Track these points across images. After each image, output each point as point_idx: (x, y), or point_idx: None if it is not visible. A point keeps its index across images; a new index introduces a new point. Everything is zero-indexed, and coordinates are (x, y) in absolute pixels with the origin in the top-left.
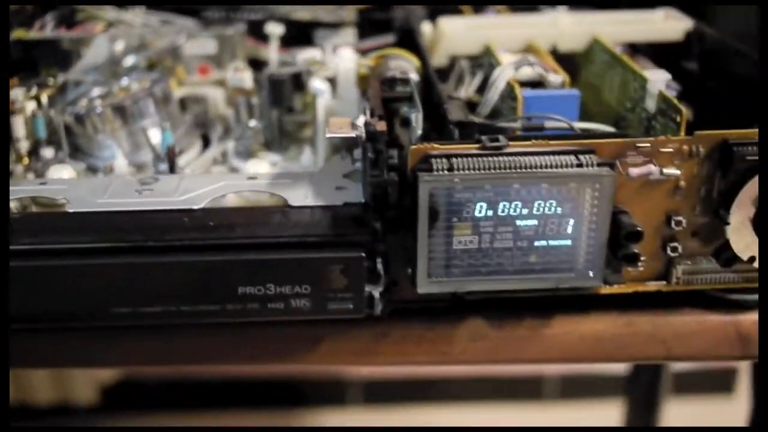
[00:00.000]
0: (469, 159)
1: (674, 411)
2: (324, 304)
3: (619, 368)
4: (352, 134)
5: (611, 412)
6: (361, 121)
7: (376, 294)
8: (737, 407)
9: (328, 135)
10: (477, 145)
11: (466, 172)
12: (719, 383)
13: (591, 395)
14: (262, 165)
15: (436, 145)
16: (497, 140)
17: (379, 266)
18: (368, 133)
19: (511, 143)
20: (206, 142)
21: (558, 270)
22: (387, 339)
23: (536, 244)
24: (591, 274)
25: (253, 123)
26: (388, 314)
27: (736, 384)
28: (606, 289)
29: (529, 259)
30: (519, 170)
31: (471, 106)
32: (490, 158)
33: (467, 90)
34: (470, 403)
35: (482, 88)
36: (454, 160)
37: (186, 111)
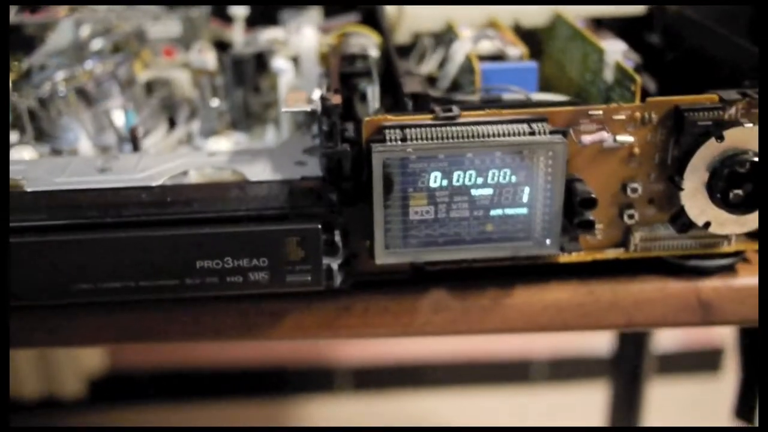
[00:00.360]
0: (423, 129)
1: (659, 391)
2: (282, 276)
3: (603, 349)
4: (308, 108)
5: (597, 393)
6: (317, 95)
7: (335, 266)
8: (723, 386)
9: (284, 109)
10: (430, 116)
11: (420, 142)
12: (705, 362)
13: (577, 377)
14: (223, 142)
15: (389, 117)
16: (450, 110)
17: (337, 238)
18: (324, 106)
19: (464, 113)
20: (172, 124)
21: (515, 239)
22: (349, 312)
23: (492, 213)
24: (548, 242)
25: (215, 103)
26: (350, 287)
27: (721, 363)
28: (565, 258)
29: (485, 228)
30: (472, 139)
31: (432, 81)
32: (443, 128)
33: (428, 65)
34: (458, 388)
35: (443, 64)
36: (407, 130)
37: (153, 94)
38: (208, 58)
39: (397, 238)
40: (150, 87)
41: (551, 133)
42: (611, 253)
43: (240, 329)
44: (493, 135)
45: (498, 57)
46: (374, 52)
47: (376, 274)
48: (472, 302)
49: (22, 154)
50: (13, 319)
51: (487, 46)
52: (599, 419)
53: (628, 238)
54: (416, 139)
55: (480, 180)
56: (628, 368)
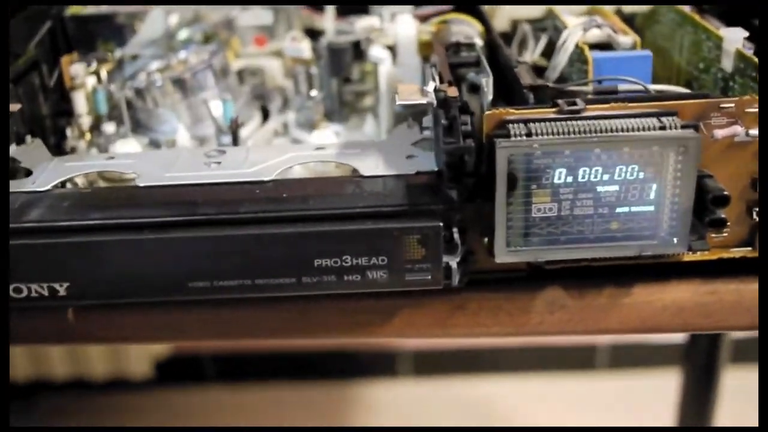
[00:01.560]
0: (547, 124)
1: (733, 379)
2: (401, 275)
3: (677, 336)
4: (423, 101)
5: (668, 381)
6: (431, 87)
7: (454, 264)
8: None
9: (399, 102)
10: (554, 109)
11: (545, 137)
12: None
13: (648, 364)
14: (327, 135)
15: (511, 110)
16: (574, 104)
17: (456, 236)
18: (440, 99)
19: (588, 107)
20: (265, 114)
21: (640, 237)
22: (463, 311)
23: (618, 210)
24: (675, 240)
25: (314, 93)
26: (464, 285)
27: None
28: (689, 257)
29: (610, 226)
30: (600, 134)
31: (537, 70)
32: (568, 122)
33: (532, 54)
34: (520, 373)
35: (547, 52)
36: (532, 125)
37: (243, 83)
38: (302, 46)
39: (518, 236)
40: (240, 76)
41: (683, 127)
42: (737, 252)
43: (349, 326)
44: (622, 129)
45: (607, 46)
46: (478, 41)
47: (492, 272)
48: (589, 301)
49: (128, 147)
50: (123, 316)
51: (596, 34)
52: (670, 408)
53: (756, 236)
54: (541, 134)
55: (606, 176)
56: (702, 356)
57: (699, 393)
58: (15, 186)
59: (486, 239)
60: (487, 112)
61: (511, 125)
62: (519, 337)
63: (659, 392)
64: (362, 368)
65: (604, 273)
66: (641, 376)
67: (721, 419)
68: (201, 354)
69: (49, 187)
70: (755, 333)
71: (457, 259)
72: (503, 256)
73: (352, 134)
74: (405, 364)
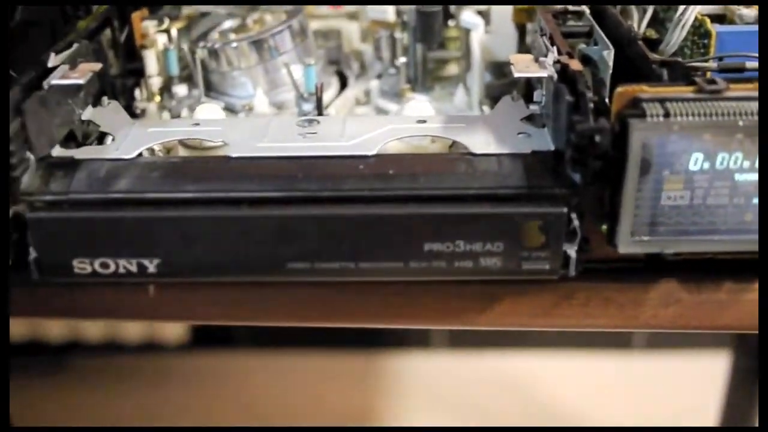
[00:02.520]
0: (686, 104)
1: None
2: (517, 263)
3: None
4: (543, 73)
5: (714, 363)
6: (550, 59)
7: (572, 253)
8: None
9: (516, 74)
10: (692, 88)
11: (684, 118)
12: None
13: (698, 345)
14: (425, 107)
15: (646, 87)
16: (714, 82)
17: (575, 222)
18: (562, 72)
19: (731, 86)
20: (342, 80)
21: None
22: (569, 301)
23: (755, 201)
24: None
25: (402, 60)
26: (578, 275)
27: None
28: None
29: (744, 218)
30: (745, 117)
31: (646, 43)
32: (710, 103)
33: (638, 25)
34: (556, 349)
35: (652, 23)
36: (669, 104)
37: (317, 46)
38: (387, 9)
39: (644, 225)
40: (314, 39)
41: None
42: None
43: (448, 313)
44: None
45: (723, 18)
46: (586, 8)
47: (606, 262)
48: (707, 296)
49: (208, 112)
50: (209, 294)
51: (712, 6)
52: (714, 391)
53: None
54: (681, 115)
55: (747, 164)
56: (753, 339)
57: (748, 377)
58: (98, 152)
59: (604, 227)
60: (618, 89)
61: (645, 104)
62: (631, 329)
63: (703, 374)
64: (396, 338)
65: (725, 267)
66: (681, 357)
67: None
68: None
69: (134, 154)
70: None
71: (575, 248)
72: (627, 246)
73: (441, 105)
74: (440, 335)
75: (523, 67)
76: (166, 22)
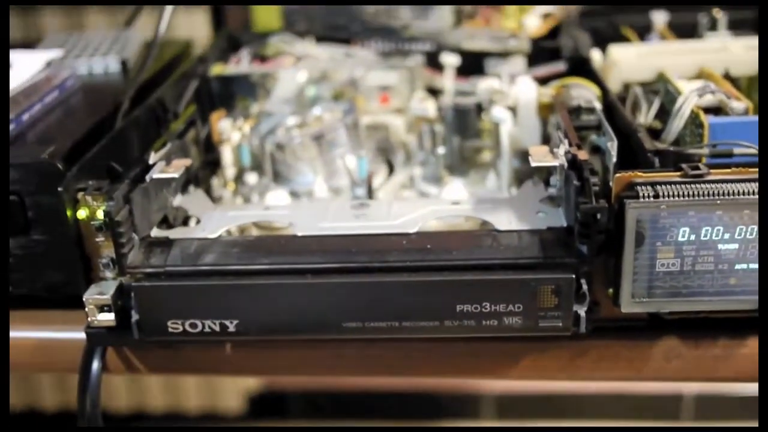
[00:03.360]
0: (673, 186)
1: None
2: (535, 321)
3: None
4: (555, 163)
5: None
6: (561, 150)
7: (582, 313)
8: None
9: (533, 164)
10: (678, 173)
11: (671, 198)
12: None
13: (731, 416)
14: (458, 190)
15: (640, 173)
16: (698, 168)
17: (585, 287)
18: (571, 161)
19: (711, 171)
20: (390, 167)
21: (757, 292)
22: (584, 356)
23: (737, 267)
24: None
25: (441, 150)
26: (589, 332)
27: None
28: None
29: (729, 282)
30: (722, 197)
31: (651, 132)
32: (693, 185)
33: (646, 117)
34: (605, 419)
35: (659, 115)
36: (659, 187)
37: (368, 138)
38: (428, 106)
39: (642, 288)
40: (366, 131)
41: None
42: None
43: (479, 367)
44: (742, 193)
45: (718, 110)
46: (597, 104)
47: (614, 321)
48: (705, 351)
49: (277, 197)
50: (277, 351)
51: (709, 99)
52: None
53: None
54: (668, 196)
55: (727, 235)
56: None
57: None
58: (187, 233)
59: (611, 290)
60: (617, 175)
61: (639, 187)
62: (639, 381)
63: None
64: (446, 409)
65: (720, 325)
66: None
67: None
68: (288, 391)
69: (217, 234)
70: None
71: (585, 308)
72: (628, 306)
73: (475, 189)
74: (488, 405)
75: (540, 157)
76: (241, 121)
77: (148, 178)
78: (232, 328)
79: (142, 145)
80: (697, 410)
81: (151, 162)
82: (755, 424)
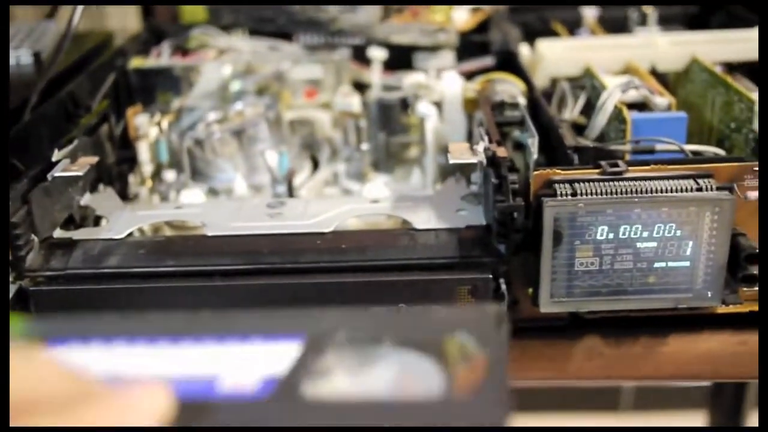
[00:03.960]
0: (591, 184)
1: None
2: None
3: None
4: (474, 160)
5: (692, 423)
6: (480, 147)
7: None
8: None
9: (451, 161)
10: (597, 171)
11: (589, 196)
12: None
13: (670, 406)
14: (379, 188)
15: (558, 171)
16: (617, 165)
17: (503, 286)
18: (489, 158)
19: (630, 168)
20: (315, 163)
21: (676, 290)
22: None
23: (656, 265)
24: (709, 294)
25: (365, 146)
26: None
27: None
28: (722, 309)
29: (648, 280)
30: (640, 195)
31: (576, 128)
32: (611, 183)
33: (572, 112)
34: (543, 413)
35: (585, 110)
36: (577, 185)
37: (293, 133)
38: (353, 101)
39: (561, 288)
40: (291, 126)
41: (718, 189)
42: None
43: None
44: (661, 191)
45: (642, 105)
46: (521, 100)
47: (534, 321)
48: (626, 350)
49: (191, 196)
50: None
51: (633, 95)
52: None
53: None
54: (586, 194)
55: (646, 233)
56: (728, 399)
57: None
58: (93, 233)
59: (530, 290)
60: (534, 173)
61: (557, 185)
62: (561, 380)
63: None
64: None
65: (641, 323)
66: (665, 418)
67: None
68: None
69: (124, 234)
70: None
71: (503, 309)
72: (547, 306)
73: (399, 185)
74: None
75: (458, 155)
76: (158, 116)
77: (49, 176)
78: None
79: (52, 142)
80: (636, 401)
81: (54, 159)
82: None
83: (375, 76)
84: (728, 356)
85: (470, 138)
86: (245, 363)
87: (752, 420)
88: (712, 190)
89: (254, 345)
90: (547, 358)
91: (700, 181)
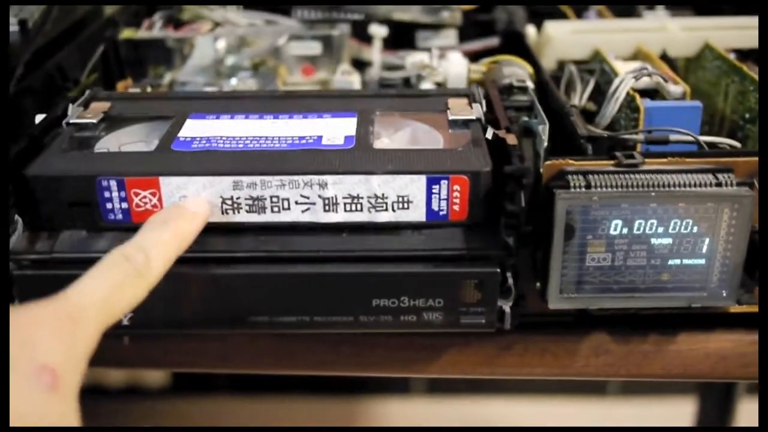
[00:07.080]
0: (606, 176)
1: (750, 410)
2: (456, 317)
3: None
4: (473, 116)
5: (682, 409)
6: (489, 134)
7: (507, 308)
8: None
9: (451, 117)
10: (612, 162)
11: (603, 189)
12: None
13: (659, 391)
14: None
15: (571, 161)
16: (632, 157)
17: (510, 281)
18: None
19: (646, 160)
20: None
21: (690, 289)
22: (509, 351)
23: (670, 262)
24: (724, 293)
25: None
26: (514, 328)
27: None
28: (735, 308)
29: (661, 278)
30: (657, 188)
31: (585, 114)
32: (627, 176)
33: (580, 98)
34: (533, 396)
35: (593, 95)
36: (591, 177)
37: None
38: (353, 79)
39: (571, 283)
40: None
41: (738, 185)
42: None
43: (399, 363)
44: (678, 185)
45: (655, 92)
46: (529, 83)
47: (540, 316)
48: (634, 347)
49: None
50: (180, 344)
51: (645, 82)
52: None
53: None
54: (600, 186)
55: (661, 229)
56: (719, 384)
57: (716, 423)
58: None
59: (538, 284)
60: (546, 162)
61: (570, 176)
62: (566, 377)
63: (673, 420)
64: (377, 385)
65: (650, 320)
66: (654, 403)
67: None
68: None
69: None
70: None
71: (510, 303)
72: (556, 302)
73: None
74: (418, 381)
75: (458, 111)
76: (149, 90)
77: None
78: (125, 321)
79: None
80: (624, 385)
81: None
82: (685, 399)
83: (375, 54)
84: (739, 356)
85: None
86: (331, 128)
87: (743, 406)
88: (731, 185)
89: (329, 119)
90: (552, 354)
91: (719, 175)
